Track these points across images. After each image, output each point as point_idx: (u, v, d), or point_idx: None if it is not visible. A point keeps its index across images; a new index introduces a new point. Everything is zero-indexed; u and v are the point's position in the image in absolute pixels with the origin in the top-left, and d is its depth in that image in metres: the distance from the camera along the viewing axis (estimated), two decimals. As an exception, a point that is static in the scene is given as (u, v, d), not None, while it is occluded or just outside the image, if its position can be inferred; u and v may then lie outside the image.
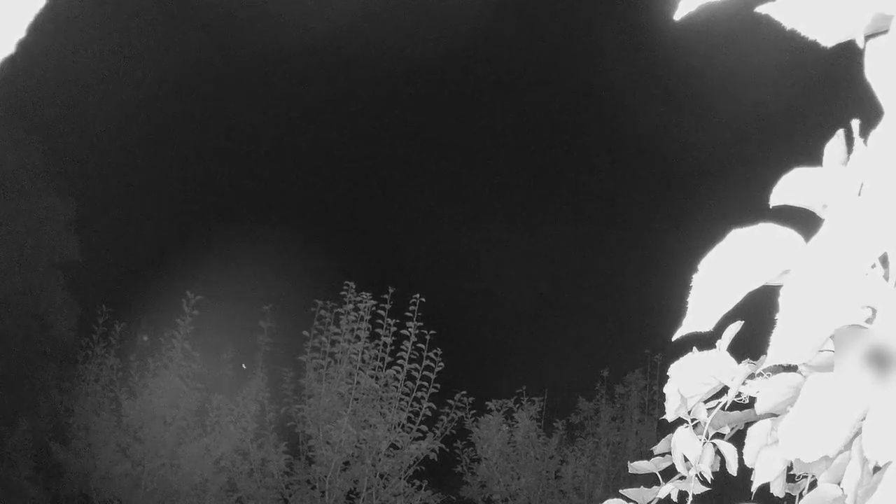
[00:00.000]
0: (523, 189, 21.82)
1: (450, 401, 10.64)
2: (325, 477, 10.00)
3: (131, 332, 10.98)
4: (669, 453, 1.35)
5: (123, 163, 17.13)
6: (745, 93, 15.39)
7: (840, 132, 0.91)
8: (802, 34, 0.75)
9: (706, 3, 0.74)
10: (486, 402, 11.47)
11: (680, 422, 1.30)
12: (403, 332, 10.17)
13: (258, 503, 10.14)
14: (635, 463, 1.44)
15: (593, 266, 19.22)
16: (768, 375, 1.17)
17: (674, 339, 0.85)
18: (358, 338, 10.21)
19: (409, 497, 10.23)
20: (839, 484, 1.07)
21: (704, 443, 1.30)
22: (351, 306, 10.26)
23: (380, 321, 10.27)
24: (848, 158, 0.91)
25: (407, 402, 10.20)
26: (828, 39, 0.75)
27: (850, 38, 0.75)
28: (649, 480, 1.45)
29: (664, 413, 1.28)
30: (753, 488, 1.20)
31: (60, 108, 14.99)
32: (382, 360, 10.26)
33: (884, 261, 0.75)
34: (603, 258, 19.30)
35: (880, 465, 0.78)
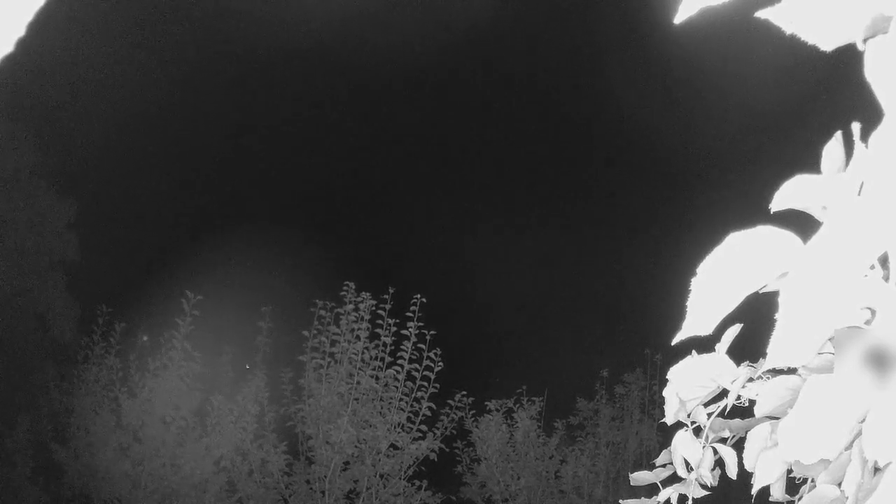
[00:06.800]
0: (523, 189, 21.82)
1: (450, 401, 10.64)
2: (325, 477, 10.00)
3: (131, 332, 10.97)
4: (670, 463, 1.35)
5: (124, 162, 17.13)
6: (745, 94, 15.39)
7: (838, 134, 0.92)
8: (802, 39, 0.75)
9: (706, 7, 0.75)
10: (486, 403, 11.47)
11: (680, 425, 1.30)
12: (403, 332, 10.16)
13: (258, 503, 10.14)
14: (636, 474, 1.44)
15: (593, 266, 19.21)
16: (768, 378, 1.17)
17: (673, 342, 0.85)
18: (358, 338, 10.20)
19: (409, 497, 10.23)
20: (839, 485, 1.08)
21: (704, 446, 1.30)
22: (351, 306, 10.26)
23: (380, 321, 10.27)
24: (846, 160, 0.91)
25: (407, 403, 10.20)
26: (827, 43, 0.76)
27: (849, 42, 0.75)
28: (650, 488, 1.45)
29: (664, 414, 1.28)
30: (754, 491, 1.20)
31: (60, 108, 14.99)
32: (382, 360, 10.26)
33: (883, 262, 0.75)
34: (602, 258, 19.30)
35: (880, 465, 0.78)
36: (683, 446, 1.30)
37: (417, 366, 10.21)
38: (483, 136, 22.20)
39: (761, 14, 0.75)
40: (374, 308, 10.27)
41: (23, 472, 11.15)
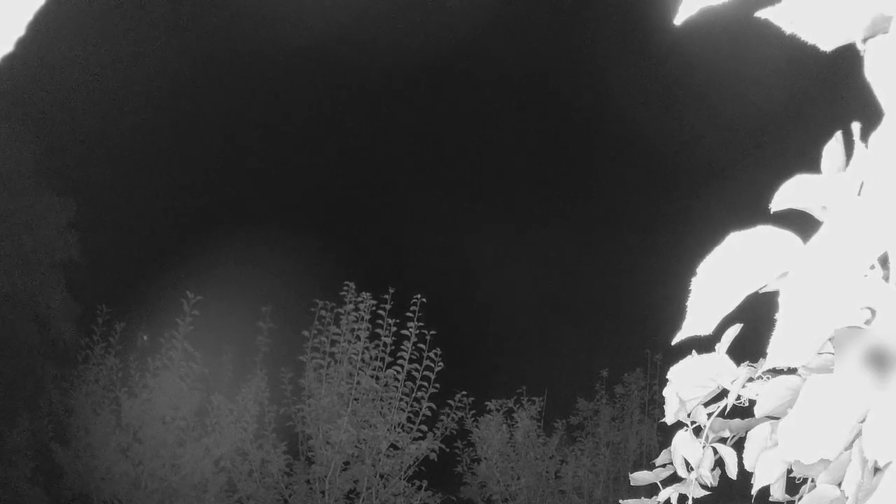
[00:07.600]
0: (524, 189, 21.83)
1: (450, 401, 10.65)
2: (325, 477, 10.00)
3: (131, 332, 10.97)
4: (670, 463, 1.35)
5: (123, 163, 17.13)
6: (746, 94, 15.40)
7: (838, 134, 0.92)
8: (802, 39, 0.75)
9: (706, 7, 0.75)
10: (486, 402, 11.48)
11: (680, 425, 1.30)
12: (404, 332, 10.17)
13: (258, 503, 10.14)
14: (636, 474, 1.44)
15: (593, 266, 19.20)
16: (768, 378, 1.17)
17: (673, 342, 0.85)
18: (358, 338, 10.21)
19: (409, 497, 10.23)
20: (839, 485, 1.08)
21: (704, 446, 1.30)
22: (351, 306, 10.27)
23: (380, 321, 10.28)
24: (846, 160, 0.91)
25: (407, 403, 10.20)
26: (827, 43, 0.76)
27: (848, 42, 0.75)
28: (650, 488, 1.45)
29: (664, 414, 1.28)
30: (754, 491, 1.20)
31: (60, 107, 14.98)
32: (382, 360, 10.27)
33: (883, 262, 0.75)
34: (603, 258, 19.28)
35: (880, 465, 0.78)
36: (683, 446, 1.30)
37: (417, 366, 10.22)
38: (483, 136, 22.21)
39: (761, 14, 0.76)
40: (374, 308, 10.27)
41: (23, 472, 11.14)
